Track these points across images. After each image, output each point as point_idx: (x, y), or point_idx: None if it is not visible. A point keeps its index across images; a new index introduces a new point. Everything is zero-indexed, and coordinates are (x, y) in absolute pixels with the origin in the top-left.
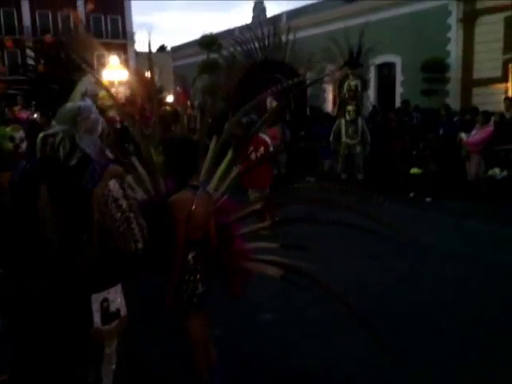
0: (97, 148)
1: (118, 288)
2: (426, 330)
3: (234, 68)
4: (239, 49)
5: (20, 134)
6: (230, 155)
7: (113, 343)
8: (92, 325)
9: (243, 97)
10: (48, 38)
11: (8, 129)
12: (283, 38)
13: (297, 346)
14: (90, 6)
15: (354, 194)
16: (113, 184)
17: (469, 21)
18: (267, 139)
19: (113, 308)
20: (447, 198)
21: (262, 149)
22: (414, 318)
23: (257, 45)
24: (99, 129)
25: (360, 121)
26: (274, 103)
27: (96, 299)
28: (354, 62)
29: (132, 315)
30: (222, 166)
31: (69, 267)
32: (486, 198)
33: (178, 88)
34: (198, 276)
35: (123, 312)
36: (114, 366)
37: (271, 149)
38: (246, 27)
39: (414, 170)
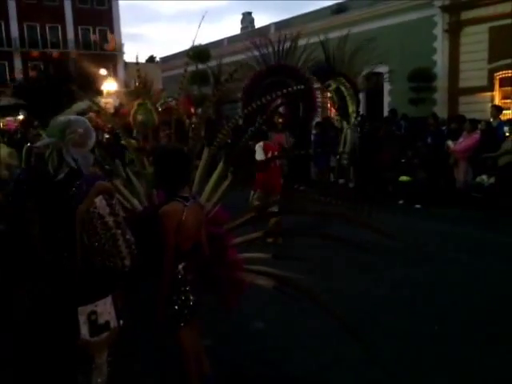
0: (87, 162)
1: (108, 300)
2: (421, 337)
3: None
4: (250, 54)
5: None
6: (220, 166)
7: (103, 355)
8: (79, 336)
9: (252, 101)
10: (55, 53)
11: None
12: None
13: (290, 355)
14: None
15: (345, 205)
16: (99, 201)
17: (454, 31)
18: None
19: (101, 320)
20: (436, 205)
21: (275, 154)
22: (408, 326)
23: (270, 49)
24: (90, 143)
25: (345, 130)
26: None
27: (83, 312)
28: (322, 73)
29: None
30: (214, 177)
31: (55, 281)
32: (475, 204)
33: (182, 95)
34: (189, 287)
35: (113, 324)
36: (105, 378)
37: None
38: (235, 38)
39: (403, 178)
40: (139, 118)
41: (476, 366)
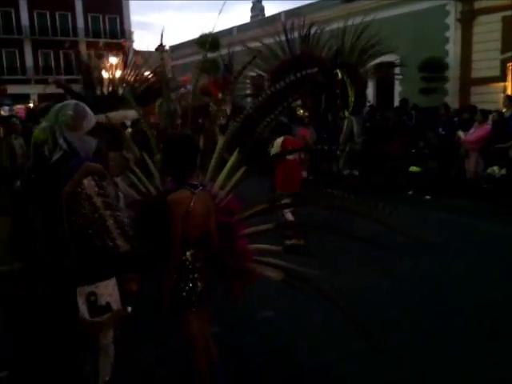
0: (86, 145)
1: (110, 283)
2: (426, 331)
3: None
4: (261, 42)
5: None
6: (235, 156)
7: (107, 335)
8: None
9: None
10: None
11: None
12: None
13: (297, 344)
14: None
15: (354, 197)
16: (87, 181)
17: (467, 20)
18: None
19: (102, 302)
20: (446, 196)
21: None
22: (417, 318)
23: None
24: (86, 126)
25: (348, 119)
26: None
27: (81, 292)
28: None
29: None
30: (228, 166)
31: (53, 263)
32: (485, 195)
33: (210, 78)
34: (197, 274)
35: (115, 306)
36: (111, 360)
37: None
38: (245, 27)
39: (414, 168)
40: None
41: (477, 362)
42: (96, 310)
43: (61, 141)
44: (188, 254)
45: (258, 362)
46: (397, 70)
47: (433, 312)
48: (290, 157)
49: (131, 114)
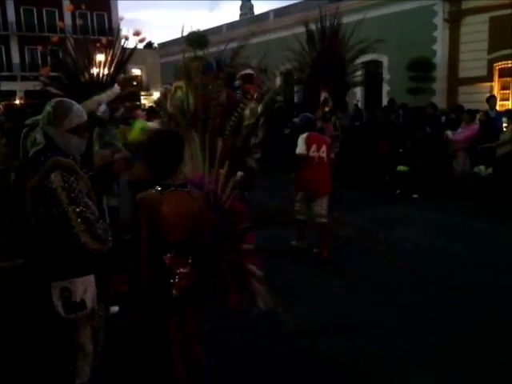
0: (65, 141)
1: (87, 280)
2: (412, 326)
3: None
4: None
5: None
6: (226, 167)
7: (84, 334)
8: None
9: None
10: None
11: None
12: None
13: (288, 342)
14: (69, 7)
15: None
16: (54, 175)
17: (454, 21)
18: (327, 138)
19: (76, 298)
20: (433, 194)
21: (324, 148)
22: (400, 318)
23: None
24: (67, 123)
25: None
26: (327, 96)
27: (55, 286)
28: None
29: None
30: (224, 171)
31: (29, 255)
32: (472, 194)
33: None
34: (176, 279)
35: (90, 304)
36: (90, 359)
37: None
38: (234, 25)
39: (401, 168)
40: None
41: (463, 354)
42: (70, 307)
43: (38, 135)
44: (165, 257)
45: (247, 360)
46: (384, 70)
47: (417, 310)
48: (314, 154)
49: (104, 96)
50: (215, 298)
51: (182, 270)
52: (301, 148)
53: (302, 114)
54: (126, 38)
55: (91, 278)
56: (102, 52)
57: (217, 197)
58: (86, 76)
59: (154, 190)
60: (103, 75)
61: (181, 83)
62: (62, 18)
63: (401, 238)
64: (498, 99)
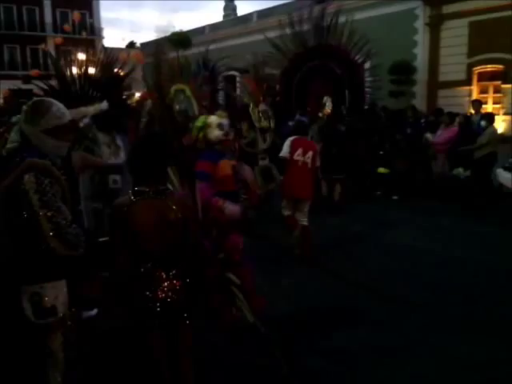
0: (40, 142)
1: (58, 285)
2: (397, 324)
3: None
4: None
5: (226, 121)
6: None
7: (55, 340)
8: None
9: (290, 90)
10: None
11: (214, 116)
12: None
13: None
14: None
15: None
16: (28, 177)
17: (435, 25)
18: (317, 146)
19: (47, 304)
20: (413, 196)
21: (310, 154)
22: (379, 317)
23: (309, 27)
24: (43, 123)
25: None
26: (330, 101)
27: (25, 291)
28: None
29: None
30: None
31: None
32: (451, 196)
33: (247, 76)
34: (152, 293)
35: (62, 310)
36: (61, 367)
37: (318, 161)
38: (217, 25)
39: (382, 170)
40: (176, 106)
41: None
42: (40, 312)
43: (13, 133)
44: (142, 268)
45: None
46: (366, 73)
47: (397, 309)
48: (299, 158)
49: (91, 110)
50: (205, 313)
51: (159, 282)
52: (284, 151)
53: (296, 118)
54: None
55: (62, 283)
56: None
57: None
58: (77, 86)
59: (128, 196)
60: (91, 87)
61: (182, 86)
62: (42, 17)
63: (386, 239)
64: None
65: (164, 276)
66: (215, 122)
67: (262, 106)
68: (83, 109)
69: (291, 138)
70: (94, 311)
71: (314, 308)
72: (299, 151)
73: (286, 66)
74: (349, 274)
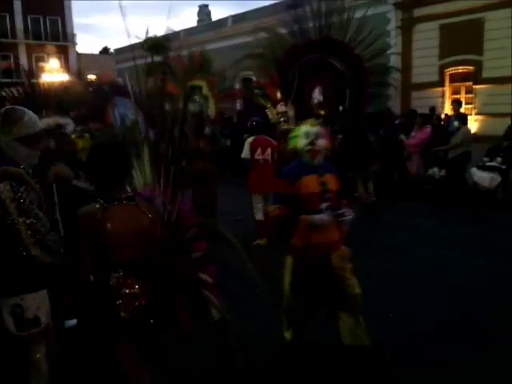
0: (11, 150)
1: (39, 295)
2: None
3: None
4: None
5: (316, 129)
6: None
7: (38, 351)
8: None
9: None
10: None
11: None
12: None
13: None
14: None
15: None
16: (3, 185)
17: (407, 28)
18: (274, 142)
19: (29, 315)
20: (390, 197)
21: (269, 150)
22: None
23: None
24: (16, 131)
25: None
26: (321, 97)
27: (5, 303)
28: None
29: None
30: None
31: None
32: (426, 196)
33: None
34: (122, 301)
35: (44, 321)
36: (45, 377)
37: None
38: (191, 30)
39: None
40: (191, 107)
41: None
42: (23, 324)
43: None
44: (113, 277)
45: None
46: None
47: (377, 309)
48: (259, 157)
49: (50, 121)
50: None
51: (130, 290)
52: (245, 153)
53: (252, 117)
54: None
55: (44, 293)
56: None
57: (166, 209)
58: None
59: (95, 203)
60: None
61: (200, 82)
62: (13, 23)
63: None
64: (449, 104)
65: (134, 282)
66: (303, 131)
67: (279, 107)
68: (45, 120)
69: (250, 140)
70: (75, 321)
71: None
72: (258, 151)
73: (281, 58)
74: None
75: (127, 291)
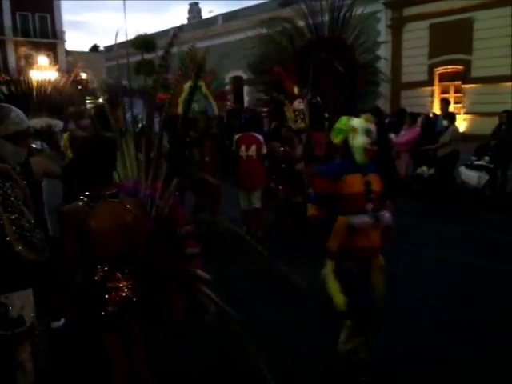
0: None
1: (23, 294)
2: None
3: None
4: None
5: (374, 127)
6: (166, 169)
7: (23, 351)
8: None
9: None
10: None
11: (358, 119)
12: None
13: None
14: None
15: None
16: None
17: (397, 27)
18: (261, 138)
19: (13, 314)
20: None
21: (253, 147)
22: None
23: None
24: (2, 129)
25: None
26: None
27: None
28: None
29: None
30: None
31: None
32: (415, 195)
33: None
34: (109, 294)
35: (29, 320)
36: (31, 377)
37: (264, 150)
38: (182, 28)
39: None
40: (196, 106)
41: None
42: (7, 324)
43: None
44: (98, 272)
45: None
46: None
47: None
48: (243, 154)
49: (41, 122)
50: (157, 312)
51: (116, 284)
52: (233, 150)
53: (244, 114)
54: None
55: (29, 292)
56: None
57: (154, 203)
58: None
59: (80, 202)
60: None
61: (200, 82)
62: (1, 20)
63: None
64: (438, 103)
65: (120, 276)
66: (363, 127)
67: (297, 104)
68: (46, 120)
69: (236, 137)
70: (61, 321)
71: None
72: (242, 147)
73: (299, 53)
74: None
75: (113, 285)
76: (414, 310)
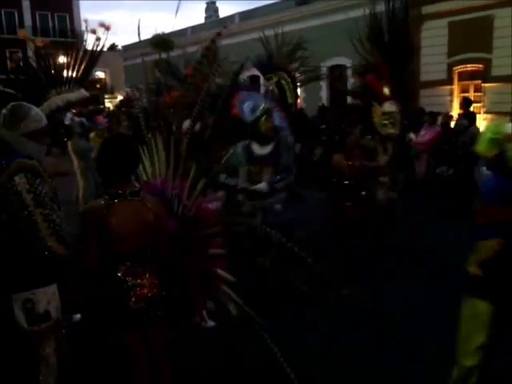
0: (20, 146)
1: (50, 290)
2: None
3: None
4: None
5: None
6: (194, 170)
7: (48, 346)
8: (17, 325)
9: None
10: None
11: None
12: None
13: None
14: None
15: None
16: (19, 177)
17: (415, 26)
18: None
19: (40, 309)
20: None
21: None
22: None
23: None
24: (23, 126)
25: None
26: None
27: (16, 299)
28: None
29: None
30: (190, 178)
31: None
32: (435, 196)
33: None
34: (132, 291)
35: (55, 315)
36: (54, 372)
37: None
38: (199, 27)
39: None
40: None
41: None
42: (34, 319)
43: None
44: (119, 269)
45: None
46: (349, 73)
47: (377, 309)
48: None
49: (71, 97)
50: (180, 310)
51: (139, 281)
52: None
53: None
54: (97, 39)
55: (54, 288)
56: (65, 55)
57: (181, 202)
58: (48, 74)
59: (100, 199)
60: (68, 76)
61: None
62: (21, 19)
63: None
64: (458, 102)
65: (142, 273)
66: None
67: (387, 106)
68: (65, 95)
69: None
70: (79, 316)
71: None
72: None
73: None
74: None
75: (136, 281)
76: (423, 310)
